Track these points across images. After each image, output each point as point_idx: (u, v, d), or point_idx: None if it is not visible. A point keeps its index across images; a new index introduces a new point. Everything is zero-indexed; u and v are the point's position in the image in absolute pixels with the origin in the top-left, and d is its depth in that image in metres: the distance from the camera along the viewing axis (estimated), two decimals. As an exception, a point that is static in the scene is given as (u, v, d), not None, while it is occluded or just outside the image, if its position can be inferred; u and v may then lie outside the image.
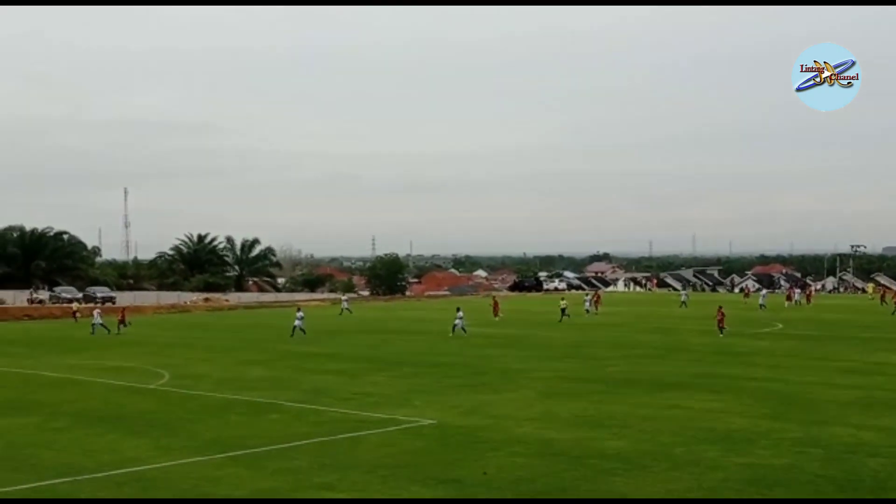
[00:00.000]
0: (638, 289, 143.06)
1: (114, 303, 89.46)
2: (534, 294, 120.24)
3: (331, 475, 18.86)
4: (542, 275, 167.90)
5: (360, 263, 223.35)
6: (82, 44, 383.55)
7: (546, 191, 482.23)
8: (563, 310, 64.70)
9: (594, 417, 25.41)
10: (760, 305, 75.96)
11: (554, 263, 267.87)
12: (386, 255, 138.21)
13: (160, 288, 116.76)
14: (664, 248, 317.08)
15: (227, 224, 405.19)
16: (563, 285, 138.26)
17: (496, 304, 68.97)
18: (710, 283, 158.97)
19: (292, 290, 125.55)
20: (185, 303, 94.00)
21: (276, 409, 27.70)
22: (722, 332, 50.54)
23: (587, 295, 78.18)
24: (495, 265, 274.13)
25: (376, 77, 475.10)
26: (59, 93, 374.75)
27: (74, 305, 76.66)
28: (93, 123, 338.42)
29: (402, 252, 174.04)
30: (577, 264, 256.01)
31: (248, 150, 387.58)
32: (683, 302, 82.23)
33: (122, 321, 58.92)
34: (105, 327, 57.09)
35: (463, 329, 52.12)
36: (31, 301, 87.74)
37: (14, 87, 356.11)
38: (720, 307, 53.97)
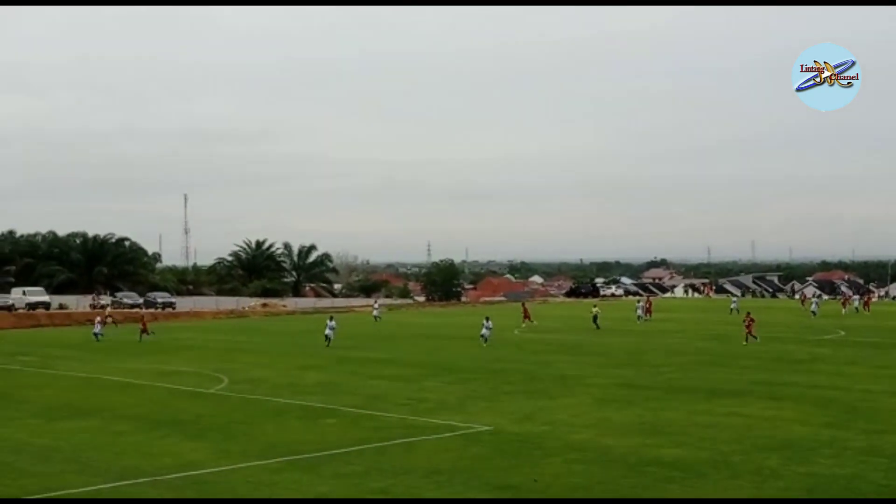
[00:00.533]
0: (696, 295, 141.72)
1: (174, 308, 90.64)
2: (590, 300, 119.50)
3: (387, 480, 18.93)
4: (599, 281, 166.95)
5: (416, 269, 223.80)
6: (143, 54, 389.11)
7: (603, 196, 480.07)
8: (594, 317, 62.81)
9: (651, 425, 25.21)
10: (812, 312, 74.73)
11: (611, 269, 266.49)
12: (441, 261, 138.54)
13: (219, 293, 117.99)
14: (723, 253, 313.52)
15: (285, 230, 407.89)
16: (620, 291, 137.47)
17: (526, 310, 68.23)
18: (770, 290, 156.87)
19: (348, 296, 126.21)
20: (244, 308, 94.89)
21: (333, 413, 27.87)
22: (747, 341, 48.75)
23: (639, 301, 77.15)
24: (551, 271, 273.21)
25: (431, 83, 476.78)
26: (120, 103, 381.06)
27: (107, 311, 74.74)
28: (154, 132, 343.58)
29: (457, 258, 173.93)
30: (634, 270, 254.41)
31: (305, 158, 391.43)
32: (733, 308, 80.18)
33: (143, 330, 56.91)
34: (96, 336, 57.17)
35: (484, 339, 49.28)
36: (93, 306, 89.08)
37: (78, 98, 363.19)
38: (748, 313, 52.32)
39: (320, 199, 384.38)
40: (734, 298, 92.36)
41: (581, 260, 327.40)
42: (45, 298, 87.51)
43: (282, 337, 59.67)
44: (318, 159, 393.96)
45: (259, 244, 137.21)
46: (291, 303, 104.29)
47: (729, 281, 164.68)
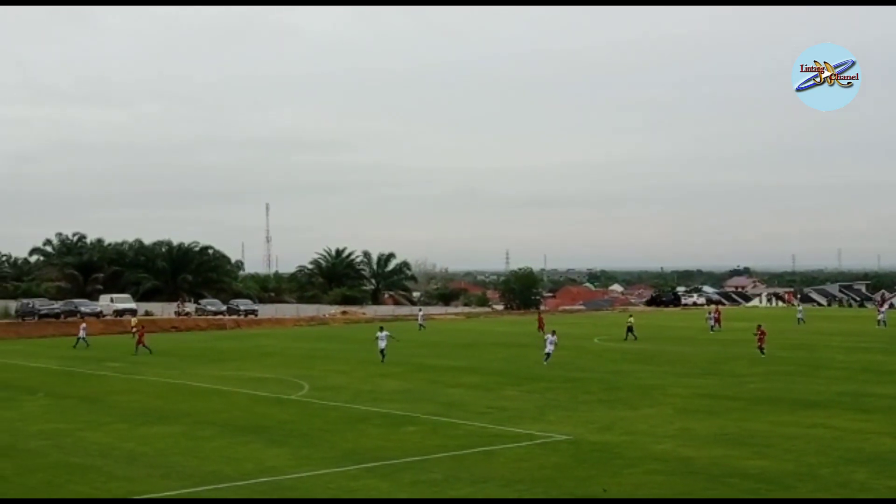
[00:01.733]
0: (780, 304, 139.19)
1: (256, 315, 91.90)
2: (671, 309, 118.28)
3: (465, 489, 18.94)
4: (680, 289, 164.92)
5: (494, 277, 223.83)
6: (223, 65, 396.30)
7: (684, 203, 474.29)
8: (629, 328, 60.61)
9: (734, 436, 24.81)
10: (878, 321, 72.73)
11: (692, 278, 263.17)
12: (520, 269, 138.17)
13: (300, 301, 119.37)
14: (808, 262, 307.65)
15: (364, 238, 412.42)
16: (701, 300, 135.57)
17: (541, 319, 68.42)
18: (858, 299, 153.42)
19: (427, 304, 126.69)
20: (324, 315, 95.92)
21: (412, 421, 27.98)
22: (763, 353, 46.70)
23: (709, 312, 75.64)
24: (631, 280, 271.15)
25: (508, 90, 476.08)
26: (202, 114, 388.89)
27: (133, 321, 70.61)
28: (235, 142, 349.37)
29: (536, 266, 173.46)
30: (716, 279, 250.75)
31: (384, 167, 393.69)
32: (800, 319, 77.99)
33: (140, 342, 53.60)
34: (86, 341, 58.01)
35: (547, 356, 44.02)
36: (178, 313, 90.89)
37: (162, 109, 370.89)
38: (759, 325, 49.09)
39: (399, 207, 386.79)
40: (800, 308, 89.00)
41: (662, 268, 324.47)
42: (132, 305, 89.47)
43: (361, 344, 59.99)
44: (397, 168, 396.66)
45: (339, 252, 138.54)
46: (371, 310, 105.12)
47: (814, 290, 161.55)
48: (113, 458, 22.52)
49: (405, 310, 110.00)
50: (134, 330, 59.59)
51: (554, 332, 46.39)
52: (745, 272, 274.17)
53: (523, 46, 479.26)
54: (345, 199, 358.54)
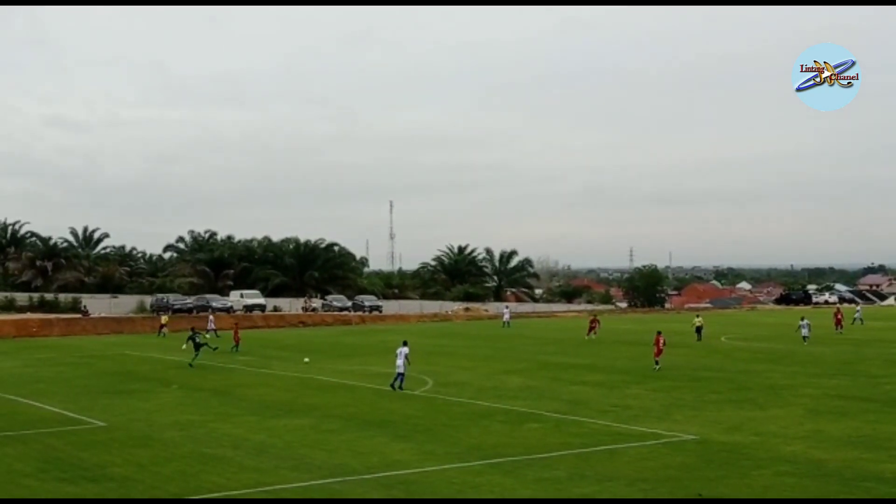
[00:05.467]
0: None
1: (380, 311, 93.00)
2: (802, 307, 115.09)
3: (590, 487, 18.84)
4: (811, 287, 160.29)
5: (618, 275, 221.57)
6: (355, 64, 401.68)
7: (814, 198, 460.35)
8: (698, 329, 57.96)
9: (869, 438, 24.02)
10: None
11: (824, 276, 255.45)
12: (644, 266, 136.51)
13: (423, 297, 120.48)
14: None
15: (486, 236, 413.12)
16: (833, 298, 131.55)
17: (594, 321, 63.23)
18: None
19: (549, 301, 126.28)
20: (447, 312, 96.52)
21: (536, 418, 27.95)
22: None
23: (857, 308, 72.93)
24: (760, 277, 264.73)
25: (634, 86, 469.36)
26: (333, 112, 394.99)
27: (163, 319, 70.48)
28: (363, 140, 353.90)
29: (660, 264, 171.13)
30: (849, 277, 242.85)
31: (508, 164, 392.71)
32: (857, 318, 74.15)
33: (236, 340, 53.31)
34: (216, 333, 58.92)
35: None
36: (305, 309, 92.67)
37: (293, 108, 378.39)
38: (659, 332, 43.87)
39: (522, 205, 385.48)
40: (858, 307, 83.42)
41: (792, 266, 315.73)
42: (261, 301, 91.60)
43: (484, 341, 60.29)
44: (522, 166, 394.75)
45: (461, 249, 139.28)
46: (493, 307, 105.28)
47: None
48: (243, 450, 23.15)
49: (527, 307, 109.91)
50: (164, 330, 65.91)
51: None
52: (880, 270, 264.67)
53: (654, 43, 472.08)
54: (469, 197, 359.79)
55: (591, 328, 61.60)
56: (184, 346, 44.96)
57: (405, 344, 35.05)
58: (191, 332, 46.76)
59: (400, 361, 34.20)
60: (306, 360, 45.67)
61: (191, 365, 43.53)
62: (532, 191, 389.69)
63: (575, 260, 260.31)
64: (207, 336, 44.82)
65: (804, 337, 54.44)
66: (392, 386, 34.28)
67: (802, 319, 54.58)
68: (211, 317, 65.33)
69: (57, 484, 19.59)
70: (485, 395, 32.99)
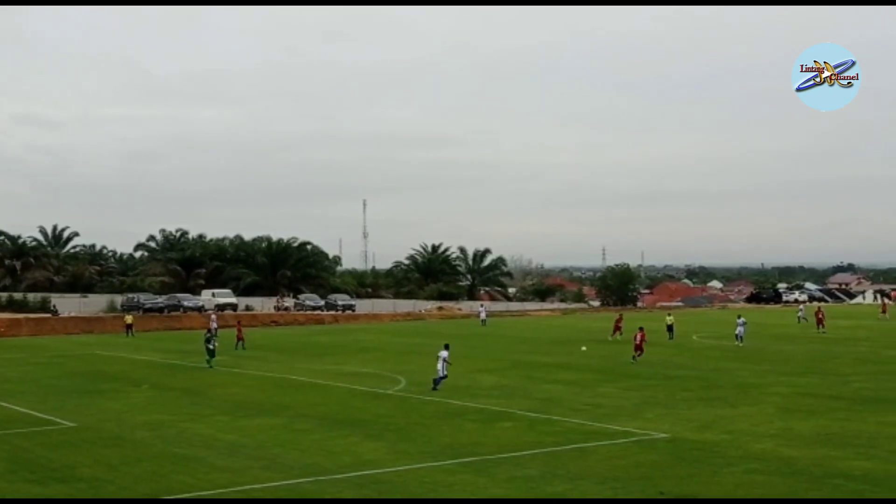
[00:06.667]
0: (887, 301, 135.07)
1: (353, 310, 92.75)
2: (772, 306, 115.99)
3: (562, 485, 18.89)
4: (782, 286, 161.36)
5: (591, 274, 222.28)
6: (332, 59, 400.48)
7: (786, 199, 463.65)
8: (669, 327, 57.77)
9: (838, 436, 24.22)
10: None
11: (794, 274, 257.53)
12: (617, 265, 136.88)
13: (396, 296, 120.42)
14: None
15: (460, 235, 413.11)
16: (803, 297, 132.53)
17: (619, 320, 59.99)
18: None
19: (523, 300, 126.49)
20: (420, 311, 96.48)
21: (508, 417, 27.99)
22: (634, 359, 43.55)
23: (800, 307, 73.39)
24: (731, 276, 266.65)
25: (612, 88, 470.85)
26: (309, 110, 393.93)
27: (128, 318, 69.97)
28: (338, 138, 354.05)
29: (632, 263, 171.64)
30: (819, 275, 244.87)
31: (483, 163, 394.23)
32: (800, 317, 74.45)
33: (239, 338, 53.91)
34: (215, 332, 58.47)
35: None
36: (277, 308, 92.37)
37: (268, 105, 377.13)
38: (641, 327, 45.73)
39: (496, 203, 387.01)
40: (801, 306, 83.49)
41: (762, 264, 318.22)
42: (233, 300, 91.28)
43: (457, 339, 60.10)
44: (497, 164, 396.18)
45: (435, 248, 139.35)
46: (466, 306, 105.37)
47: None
48: (215, 450, 23.04)
49: (500, 306, 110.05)
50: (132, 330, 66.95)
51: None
52: (850, 269, 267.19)
53: (629, 46, 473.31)
54: (443, 195, 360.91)
55: (617, 328, 58.58)
56: (212, 346, 44.50)
57: (446, 347, 35.13)
58: (206, 334, 46.53)
59: (440, 365, 34.17)
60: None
61: (210, 367, 43.06)
62: (507, 190, 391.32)
63: (548, 259, 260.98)
64: (211, 346, 44.16)
65: (738, 335, 52.73)
66: (434, 388, 34.01)
67: (739, 318, 54.11)
68: (213, 315, 65.05)
69: (25, 485, 19.42)
70: (458, 394, 32.98)
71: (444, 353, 34.46)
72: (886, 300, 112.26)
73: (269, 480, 19.60)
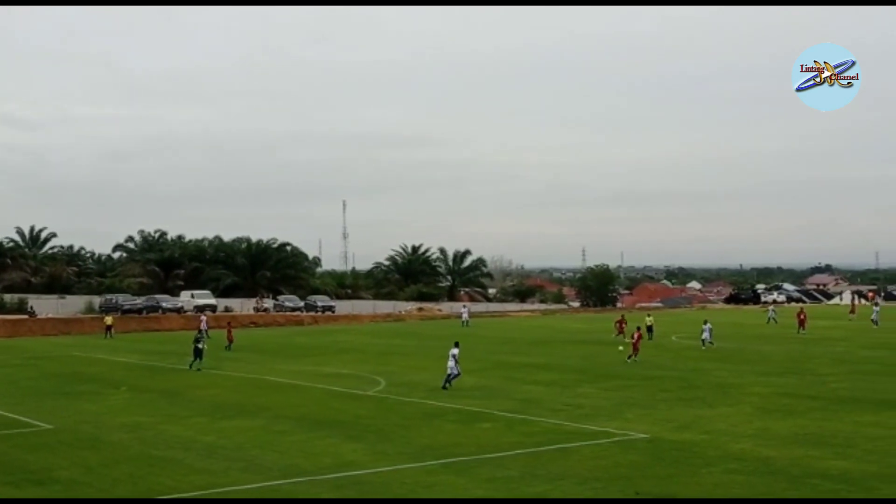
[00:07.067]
0: (864, 302, 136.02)
1: (333, 311, 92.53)
2: (750, 307, 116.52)
3: (542, 486, 18.90)
4: (760, 287, 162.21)
5: (571, 274, 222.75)
6: (312, 59, 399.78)
7: (764, 200, 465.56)
8: (649, 328, 56.65)
9: (815, 436, 24.36)
10: (874, 322, 70.22)
11: (772, 275, 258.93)
12: (596, 266, 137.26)
13: (376, 297, 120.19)
14: (893, 259, 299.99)
15: (443, 235, 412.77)
16: (781, 298, 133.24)
17: (622, 321, 58.78)
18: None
19: (503, 301, 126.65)
20: (400, 312, 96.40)
21: (488, 418, 27.99)
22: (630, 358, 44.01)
23: (770, 308, 74.89)
24: (710, 277, 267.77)
25: (591, 88, 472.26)
26: (289, 109, 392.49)
27: (108, 320, 69.66)
28: (319, 138, 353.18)
29: (612, 263, 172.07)
30: (797, 276, 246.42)
31: (466, 163, 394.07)
32: (771, 318, 74.73)
33: (230, 339, 53.64)
34: (207, 334, 58.30)
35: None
36: (256, 309, 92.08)
37: (248, 106, 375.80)
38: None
39: (476, 204, 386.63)
40: (771, 307, 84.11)
41: (741, 265, 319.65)
42: (212, 301, 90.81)
43: (437, 341, 60.15)
44: (478, 164, 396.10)
45: (415, 249, 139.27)
46: (446, 307, 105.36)
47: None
48: (193, 451, 22.94)
49: (480, 307, 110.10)
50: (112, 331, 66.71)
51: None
52: (827, 269, 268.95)
53: (607, 47, 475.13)
54: (424, 196, 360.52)
55: (620, 330, 57.10)
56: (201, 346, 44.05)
57: (456, 345, 35.61)
58: (197, 334, 46.20)
59: (451, 363, 34.64)
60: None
61: (196, 369, 42.40)
62: (486, 190, 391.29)
63: (528, 259, 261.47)
64: (201, 345, 43.63)
65: (703, 340, 51.67)
66: (444, 386, 34.52)
67: (705, 323, 53.65)
68: (203, 317, 64.81)
69: (1, 487, 19.27)
70: (437, 395, 32.99)
71: (454, 351, 35.01)
72: (863, 301, 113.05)
73: (249, 482, 19.53)
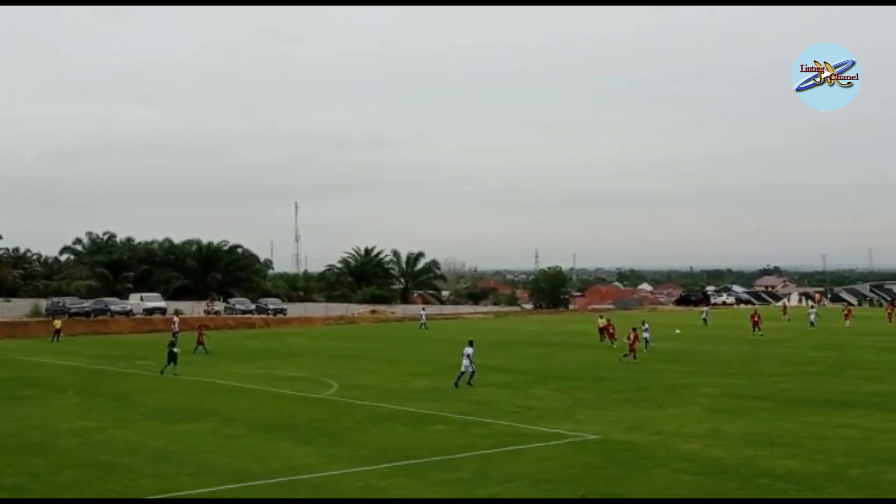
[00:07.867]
0: (810, 303, 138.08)
1: (285, 314, 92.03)
2: (701, 308, 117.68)
3: (494, 487, 18.93)
4: (710, 289, 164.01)
5: (524, 276, 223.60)
6: (264, 62, 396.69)
7: (714, 203, 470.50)
8: (601, 329, 56.87)
9: (763, 436, 24.64)
10: (811, 324, 71.48)
11: (722, 277, 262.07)
12: (549, 268, 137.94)
13: (329, 300, 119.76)
14: (838, 261, 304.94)
15: (395, 237, 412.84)
16: (731, 299, 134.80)
17: (609, 325, 56.66)
18: (889, 298, 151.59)
19: (456, 303, 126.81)
20: (353, 314, 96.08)
21: (441, 420, 27.99)
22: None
23: (704, 309, 77.61)
24: (661, 279, 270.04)
25: (545, 90, 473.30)
26: (240, 111, 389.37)
27: (57, 323, 67.91)
28: (270, 139, 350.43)
29: (565, 265, 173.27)
30: (746, 278, 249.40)
31: (418, 165, 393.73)
32: (704, 318, 77.30)
33: (200, 342, 53.22)
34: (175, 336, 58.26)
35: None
36: (207, 312, 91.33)
37: (199, 107, 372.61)
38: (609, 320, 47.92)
39: (430, 206, 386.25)
40: (704, 309, 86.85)
41: (691, 267, 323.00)
42: (162, 304, 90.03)
43: (390, 343, 60.20)
44: (430, 166, 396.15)
45: (368, 251, 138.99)
46: (400, 309, 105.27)
47: (845, 290, 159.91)
48: (142, 456, 22.67)
49: (434, 309, 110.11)
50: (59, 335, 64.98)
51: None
52: (776, 272, 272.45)
53: (569, 42, 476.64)
54: (377, 198, 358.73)
55: (611, 336, 55.11)
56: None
57: (471, 344, 36.17)
58: (171, 338, 45.54)
59: (465, 362, 35.47)
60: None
61: (174, 373, 41.41)
62: (439, 192, 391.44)
63: (482, 261, 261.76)
64: (176, 349, 42.74)
65: (646, 340, 50.28)
66: (455, 384, 35.46)
67: (644, 324, 53.61)
68: (175, 318, 64.19)
69: (-55, 494, 18.93)
70: (389, 398, 32.93)
71: (469, 350, 35.68)
72: (810, 302, 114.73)
73: (199, 486, 19.34)
